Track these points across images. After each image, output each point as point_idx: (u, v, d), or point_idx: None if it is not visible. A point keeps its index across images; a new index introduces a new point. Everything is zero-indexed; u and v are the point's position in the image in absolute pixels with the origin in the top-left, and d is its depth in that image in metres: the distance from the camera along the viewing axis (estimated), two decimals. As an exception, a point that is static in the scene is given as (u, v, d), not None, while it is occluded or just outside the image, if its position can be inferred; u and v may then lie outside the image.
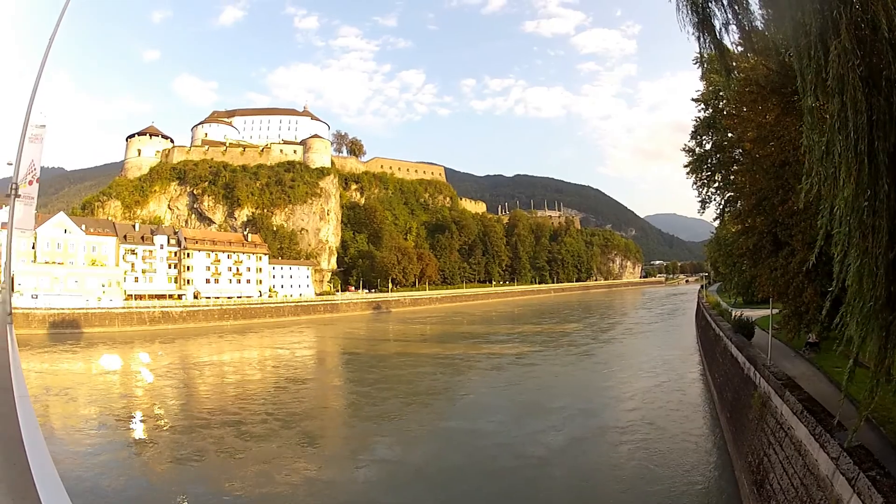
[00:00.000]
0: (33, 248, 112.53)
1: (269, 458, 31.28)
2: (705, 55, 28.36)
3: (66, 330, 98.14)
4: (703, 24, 18.40)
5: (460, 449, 32.39)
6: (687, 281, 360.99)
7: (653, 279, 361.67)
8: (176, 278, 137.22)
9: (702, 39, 19.34)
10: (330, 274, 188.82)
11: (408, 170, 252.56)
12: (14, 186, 17.03)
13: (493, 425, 37.67)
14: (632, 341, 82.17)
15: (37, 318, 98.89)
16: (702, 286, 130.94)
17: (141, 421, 41.86)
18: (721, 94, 36.88)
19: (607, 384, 51.33)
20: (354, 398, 49.15)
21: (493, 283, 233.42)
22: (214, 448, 33.67)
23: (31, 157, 17.84)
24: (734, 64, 24.18)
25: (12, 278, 17.01)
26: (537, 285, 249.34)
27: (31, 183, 18.06)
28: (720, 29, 19.62)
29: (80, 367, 67.56)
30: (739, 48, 22.05)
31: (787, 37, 18.06)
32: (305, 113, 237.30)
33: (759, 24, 19.42)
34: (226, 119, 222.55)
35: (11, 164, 18.50)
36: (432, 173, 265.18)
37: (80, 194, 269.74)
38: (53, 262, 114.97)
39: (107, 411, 43.93)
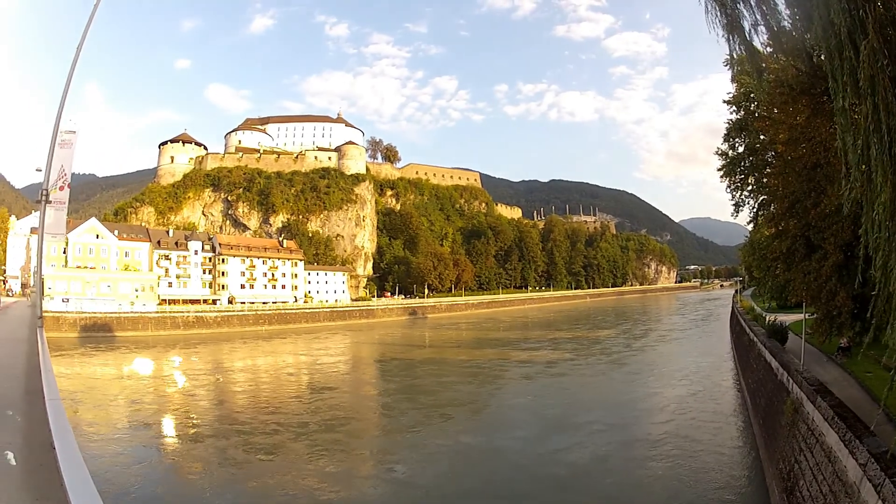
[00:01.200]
0: (64, 252, 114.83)
1: (275, 471, 30.86)
2: (735, 57, 28.16)
3: (97, 333, 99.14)
4: (732, 26, 18.29)
5: (475, 469, 30.91)
6: (721, 286, 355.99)
7: (688, 284, 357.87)
8: (210, 284, 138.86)
9: (731, 41, 19.21)
10: (366, 280, 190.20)
11: (443, 176, 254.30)
12: (45, 192, 17.50)
13: (513, 442, 35.77)
14: (665, 348, 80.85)
15: (67, 321, 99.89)
16: (736, 291, 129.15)
17: (170, 425, 42.65)
18: (752, 95, 36.64)
19: (638, 395, 49.67)
20: (375, 409, 48.76)
21: (529, 288, 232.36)
22: (222, 458, 33.48)
23: (62, 162, 18.36)
24: (764, 65, 23.94)
25: (42, 283, 17.08)
26: (573, 291, 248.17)
27: (61, 188, 18.58)
28: (749, 30, 19.44)
29: (112, 370, 68.57)
30: (769, 49, 21.83)
31: (815, 37, 17.87)
32: (339, 120, 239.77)
33: (786, 24, 19.24)
34: (259, 126, 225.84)
35: (41, 170, 19.00)
36: (468, 179, 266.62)
37: (113, 200, 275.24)
38: (85, 267, 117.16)
39: (137, 415, 44.53)
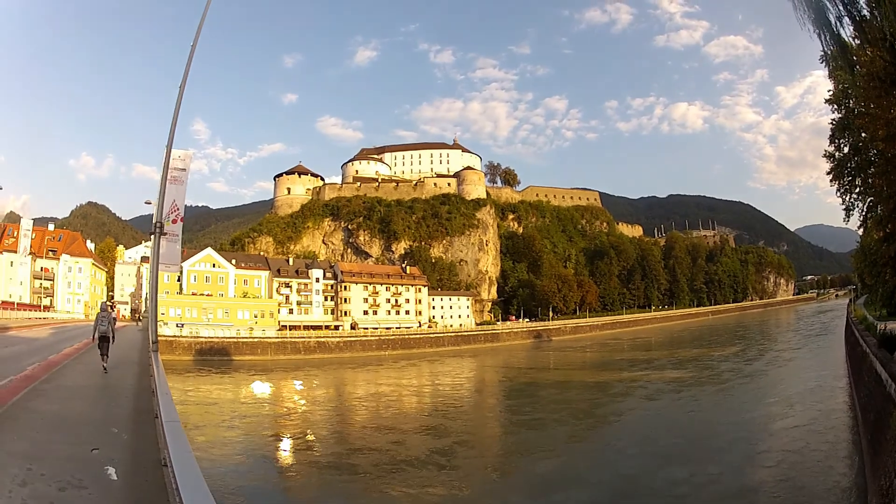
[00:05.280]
0: (178, 280, 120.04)
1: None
2: (828, 52, 26.94)
3: (213, 357, 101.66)
4: (820, 20, 17.73)
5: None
6: (837, 295, 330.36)
7: (805, 296, 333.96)
8: (332, 310, 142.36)
9: (822, 36, 18.66)
10: (490, 304, 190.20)
11: (563, 197, 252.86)
12: (158, 224, 18.81)
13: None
14: (776, 372, 73.88)
15: (182, 345, 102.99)
16: (850, 300, 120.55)
17: (287, 448, 42.88)
18: (850, 92, 34.69)
19: (740, 436, 41.20)
20: (443, 451, 41.17)
21: (653, 307, 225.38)
22: (335, 485, 32.76)
23: (174, 197, 19.69)
24: (855, 58, 22.86)
25: (155, 309, 18.11)
26: (695, 308, 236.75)
27: (174, 221, 19.89)
28: (835, 23, 18.87)
29: (229, 392, 71.09)
30: (856, 41, 21.00)
31: (890, 23, 17.02)
32: (456, 146, 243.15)
33: (866, 13, 18.45)
34: (375, 156, 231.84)
35: (150, 203, 20.48)
36: (587, 199, 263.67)
37: (228, 231, 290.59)
38: (201, 294, 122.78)
39: (254, 437, 45.37)
